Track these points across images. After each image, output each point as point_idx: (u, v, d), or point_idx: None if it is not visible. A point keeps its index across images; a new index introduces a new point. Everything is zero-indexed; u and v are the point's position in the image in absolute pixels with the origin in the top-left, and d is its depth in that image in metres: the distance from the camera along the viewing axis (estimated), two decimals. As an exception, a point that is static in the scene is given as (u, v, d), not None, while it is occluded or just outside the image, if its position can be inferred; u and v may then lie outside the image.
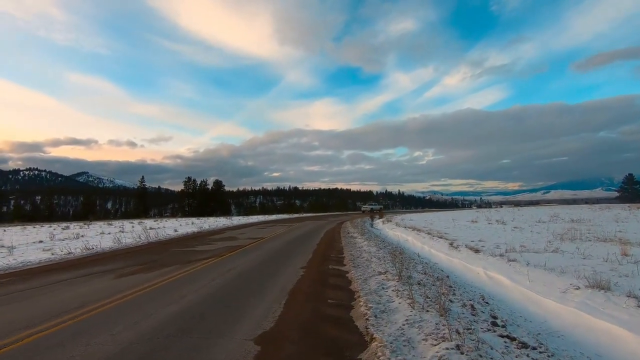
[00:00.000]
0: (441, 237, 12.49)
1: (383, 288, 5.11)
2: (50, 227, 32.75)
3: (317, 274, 6.83)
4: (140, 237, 14.07)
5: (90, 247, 11.14)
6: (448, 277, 6.48)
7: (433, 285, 5.42)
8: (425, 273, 6.28)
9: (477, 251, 9.18)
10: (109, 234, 20.60)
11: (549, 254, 8.19)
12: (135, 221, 44.17)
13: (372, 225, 24.97)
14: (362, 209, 49.97)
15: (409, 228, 17.28)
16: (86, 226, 32.16)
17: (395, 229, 18.52)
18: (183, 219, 52.05)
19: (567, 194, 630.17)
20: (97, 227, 29.55)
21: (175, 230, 21.39)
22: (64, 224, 40.64)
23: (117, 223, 39.41)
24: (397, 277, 5.54)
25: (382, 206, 57.69)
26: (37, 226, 36.54)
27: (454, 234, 13.31)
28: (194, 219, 45.83)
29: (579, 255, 7.79)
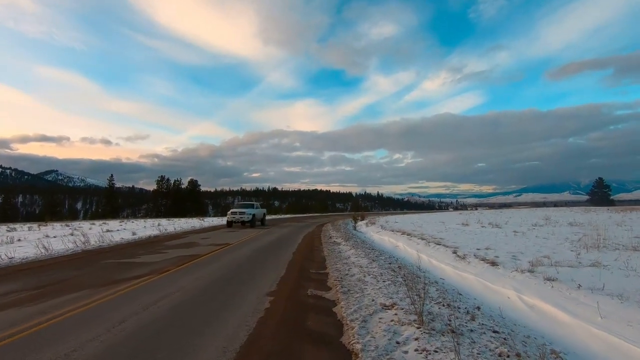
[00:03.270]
0: (439, 244, 10.62)
1: (398, 343, 3.01)
2: (-3, 228, 29.06)
3: (289, 308, 4.65)
4: (77, 243, 11.47)
5: (-2, 258, 8.54)
6: (479, 308, 4.47)
7: (471, 330, 3.40)
8: (447, 305, 4.25)
9: (493, 264, 7.30)
10: (54, 237, 17.74)
11: (589, 268, 6.39)
12: (99, 222, 40.49)
13: (355, 228, 23.08)
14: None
15: (397, 232, 15.43)
16: (38, 228, 28.71)
17: (382, 233, 16.64)
18: (152, 219, 48.59)
19: (538, 197, 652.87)
20: (49, 229, 26.24)
21: (134, 234, 18.80)
22: (15, 225, 36.69)
23: (76, 224, 35.82)
24: (416, 318, 3.48)
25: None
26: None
27: (451, 240, 11.49)
28: (163, 220, 42.57)
29: (631, 271, 6.00)
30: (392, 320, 3.51)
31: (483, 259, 7.86)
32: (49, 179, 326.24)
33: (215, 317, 4.16)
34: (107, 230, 22.90)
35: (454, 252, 9.07)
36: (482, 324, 3.68)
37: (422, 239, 12.16)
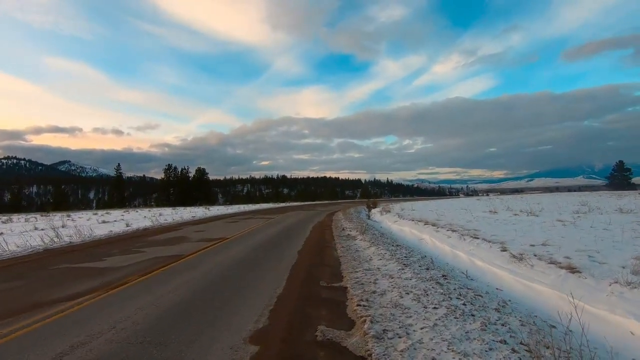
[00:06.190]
0: (476, 238, 8.60)
1: None
2: (-4, 220, 27.91)
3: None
4: (44, 240, 9.74)
5: None
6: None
7: None
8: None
9: (571, 269, 5.26)
10: (42, 229, 16.26)
11: None
12: (102, 212, 39.30)
13: (369, 217, 21.06)
14: None
15: (419, 222, 13.38)
16: (35, 219, 27.53)
17: (400, 223, 14.65)
18: (156, 209, 47.43)
19: (550, 181, 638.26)
20: (46, 220, 24.93)
21: (127, 225, 17.29)
22: (15, 216, 35.76)
23: (77, 215, 34.63)
24: None
25: None
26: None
27: (489, 232, 9.42)
28: (167, 210, 41.23)
29: None
30: None
31: (551, 261, 5.84)
32: (62, 169, 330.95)
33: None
34: (103, 222, 21.41)
35: (503, 250, 7.06)
36: None
37: (452, 230, 10.14)
